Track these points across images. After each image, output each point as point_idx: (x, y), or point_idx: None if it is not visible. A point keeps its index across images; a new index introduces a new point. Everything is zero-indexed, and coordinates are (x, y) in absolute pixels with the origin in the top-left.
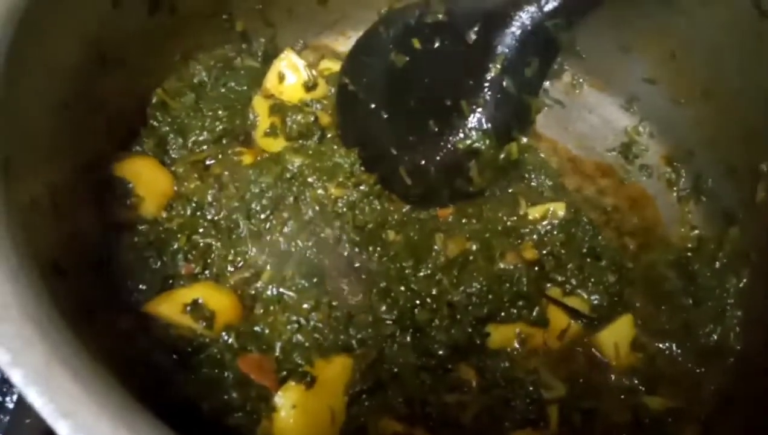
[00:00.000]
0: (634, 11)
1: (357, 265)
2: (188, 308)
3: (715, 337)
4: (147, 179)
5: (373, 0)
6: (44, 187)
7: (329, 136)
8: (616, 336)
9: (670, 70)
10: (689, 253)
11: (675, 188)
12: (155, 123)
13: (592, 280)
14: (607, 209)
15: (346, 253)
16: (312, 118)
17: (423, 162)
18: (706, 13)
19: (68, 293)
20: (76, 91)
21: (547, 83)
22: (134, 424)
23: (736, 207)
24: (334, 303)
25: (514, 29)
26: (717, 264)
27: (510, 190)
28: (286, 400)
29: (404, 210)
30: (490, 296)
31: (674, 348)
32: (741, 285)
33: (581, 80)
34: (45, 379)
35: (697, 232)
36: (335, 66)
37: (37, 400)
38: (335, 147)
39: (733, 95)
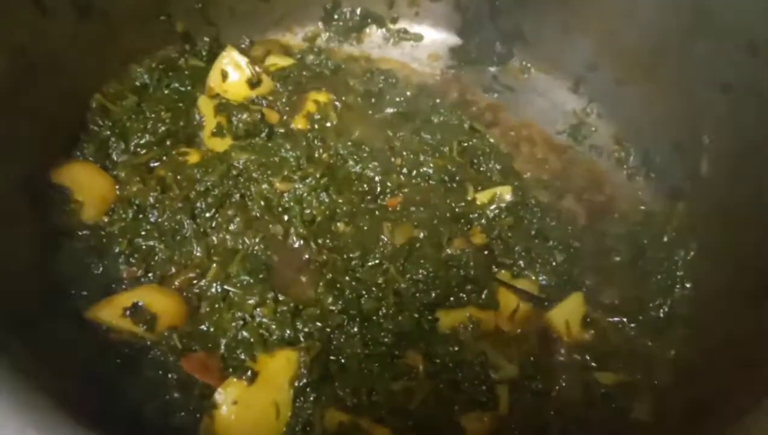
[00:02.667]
0: None
1: (306, 257)
2: (128, 312)
3: (666, 309)
4: (86, 184)
5: None
6: None
7: (277, 132)
8: (567, 313)
9: (613, 50)
10: (638, 227)
11: (625, 166)
12: (96, 128)
13: (540, 260)
14: (558, 189)
15: (294, 247)
16: (258, 116)
17: None
18: None
19: (3, 300)
20: (4, 99)
21: (496, 69)
22: (44, 425)
23: (684, 181)
24: (281, 297)
25: None
26: (665, 238)
27: (458, 178)
28: (227, 396)
29: (354, 201)
30: (437, 282)
31: (626, 322)
32: (689, 257)
33: (529, 65)
34: None
35: (648, 207)
36: (282, 61)
37: None
38: (282, 141)
39: (674, 70)
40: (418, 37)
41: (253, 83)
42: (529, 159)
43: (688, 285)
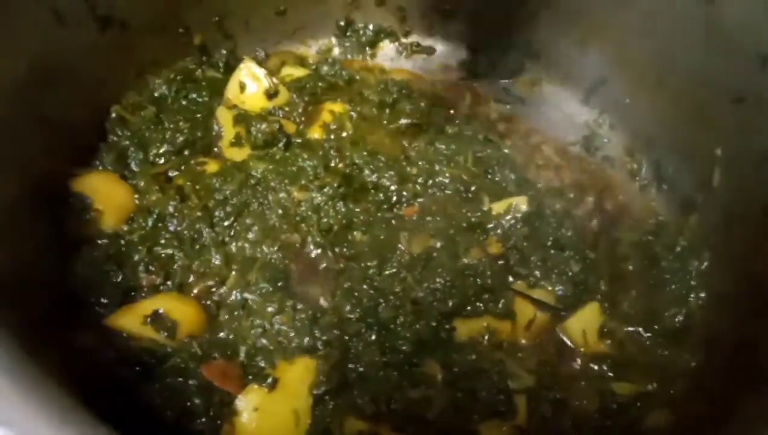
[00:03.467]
0: (585, 6)
1: (323, 266)
2: (149, 320)
3: (681, 318)
4: (105, 193)
5: (330, 10)
6: None
7: (294, 142)
8: (584, 323)
9: (624, 63)
10: (651, 237)
11: (637, 177)
12: (114, 138)
13: (556, 271)
14: (571, 200)
15: (312, 256)
16: (277, 126)
17: None
18: (654, 3)
19: (21, 309)
20: (20, 109)
21: (508, 82)
22: (78, 429)
23: (695, 193)
24: (299, 306)
25: None
26: (678, 248)
27: (473, 188)
28: (248, 403)
29: (370, 210)
30: (453, 291)
31: (642, 332)
32: (703, 267)
33: (540, 78)
34: None
35: (661, 218)
36: (297, 72)
37: None
38: (299, 151)
39: (686, 82)
40: (430, 50)
41: (271, 94)
42: (543, 169)
43: (702, 295)
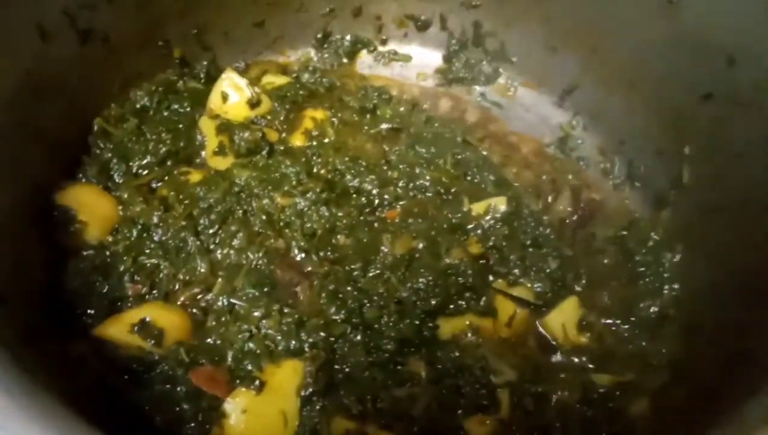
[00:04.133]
0: (556, 12)
1: (308, 269)
2: (136, 328)
3: (656, 309)
4: (90, 205)
5: (309, 21)
6: None
7: (277, 149)
8: (563, 318)
9: (596, 66)
10: (624, 232)
11: (611, 176)
12: (97, 150)
13: (534, 268)
14: (548, 199)
15: (297, 260)
16: (259, 134)
17: None
18: (620, 7)
19: (12, 319)
20: (10, 123)
21: (484, 88)
22: (65, 432)
23: (668, 189)
24: (285, 310)
25: None
26: (651, 242)
27: (453, 190)
28: (236, 406)
29: (353, 214)
30: (437, 290)
31: (619, 324)
32: (676, 260)
33: (515, 82)
34: None
35: (635, 214)
36: (278, 80)
37: None
38: (282, 158)
39: (656, 83)
40: (407, 58)
41: (253, 103)
42: (520, 170)
43: (675, 286)
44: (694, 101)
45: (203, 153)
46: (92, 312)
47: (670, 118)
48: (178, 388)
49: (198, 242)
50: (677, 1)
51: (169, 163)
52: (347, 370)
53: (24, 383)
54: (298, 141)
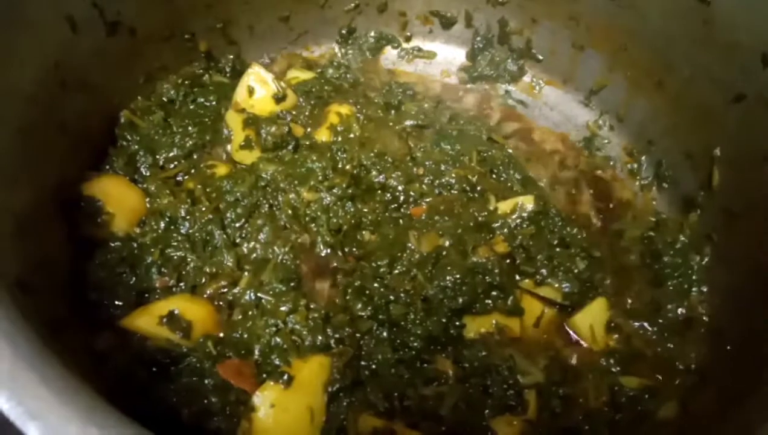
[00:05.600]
0: (584, 9)
1: (333, 265)
2: (164, 320)
3: (683, 311)
4: (117, 197)
5: (334, 17)
6: (5, 210)
7: (303, 144)
8: (591, 319)
9: (624, 64)
10: (652, 233)
11: (638, 177)
12: (124, 142)
13: (562, 268)
14: (575, 198)
15: (322, 255)
16: (286, 129)
17: None
18: (651, 5)
19: (40, 310)
20: (38, 115)
21: (509, 86)
22: (104, 423)
23: (696, 192)
24: (311, 305)
25: None
26: (678, 244)
27: (479, 187)
28: (265, 400)
29: (378, 210)
30: (464, 288)
31: (647, 326)
32: (704, 262)
33: (540, 80)
34: (11, 382)
35: (662, 215)
36: (303, 75)
37: (4, 403)
38: (307, 153)
39: (685, 83)
40: (431, 55)
41: (279, 98)
42: (545, 169)
43: (704, 289)
44: (725, 102)
45: (229, 147)
46: (119, 304)
47: (699, 119)
48: (206, 381)
49: (224, 236)
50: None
51: (195, 156)
52: (374, 366)
53: (60, 373)
54: (323, 136)
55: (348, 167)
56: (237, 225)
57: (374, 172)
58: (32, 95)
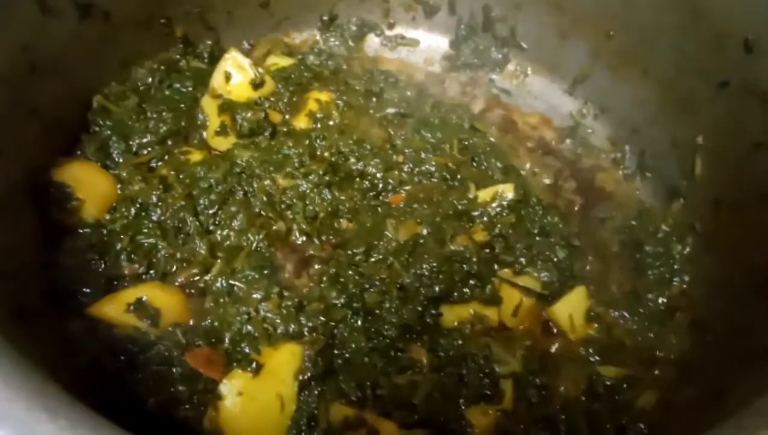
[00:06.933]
0: None
1: (309, 253)
2: (132, 308)
3: (664, 300)
4: (87, 183)
5: (315, 3)
6: None
7: (280, 131)
8: (571, 308)
9: (608, 53)
10: (633, 222)
11: (621, 166)
12: (96, 128)
13: (542, 257)
14: (556, 187)
15: (298, 243)
16: (262, 115)
17: None
18: None
19: (9, 297)
20: (6, 98)
21: (492, 74)
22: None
23: (679, 181)
24: (285, 293)
25: None
26: (660, 233)
27: (459, 175)
28: (232, 388)
29: (356, 197)
30: (440, 277)
31: (627, 315)
32: (686, 252)
33: (524, 69)
34: None
35: (645, 204)
36: (282, 61)
37: None
38: (284, 139)
39: (670, 70)
40: (414, 42)
41: (257, 84)
42: (528, 158)
43: (686, 278)
44: (710, 90)
45: (204, 133)
46: (88, 291)
47: (683, 107)
48: (174, 370)
49: (197, 223)
50: None
51: (169, 142)
52: (347, 355)
53: (20, 364)
54: (301, 123)
55: (326, 154)
56: (210, 212)
57: (353, 160)
58: (3, 80)
